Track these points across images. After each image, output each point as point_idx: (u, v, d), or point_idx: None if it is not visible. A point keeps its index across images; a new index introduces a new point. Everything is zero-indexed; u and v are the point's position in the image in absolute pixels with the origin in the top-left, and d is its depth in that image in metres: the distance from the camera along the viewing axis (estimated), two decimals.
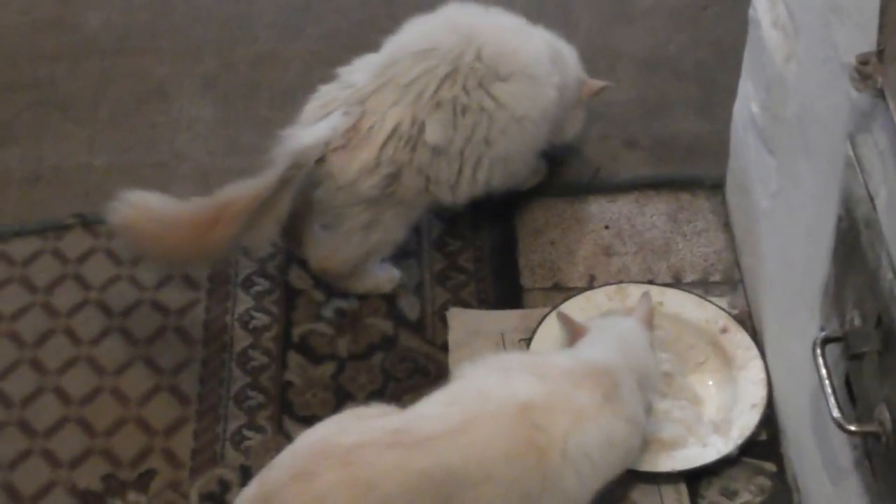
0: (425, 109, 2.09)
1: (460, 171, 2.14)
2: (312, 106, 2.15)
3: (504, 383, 1.79)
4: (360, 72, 2.15)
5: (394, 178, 2.11)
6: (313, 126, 2.10)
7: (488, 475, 1.71)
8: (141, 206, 2.10)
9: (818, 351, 1.55)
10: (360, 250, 2.17)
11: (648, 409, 1.94)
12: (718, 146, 2.36)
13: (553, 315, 2.11)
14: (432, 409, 1.78)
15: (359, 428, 1.73)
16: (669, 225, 2.35)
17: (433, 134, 2.09)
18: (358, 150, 2.09)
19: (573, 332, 1.96)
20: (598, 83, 2.36)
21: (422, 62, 2.09)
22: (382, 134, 2.08)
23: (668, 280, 2.26)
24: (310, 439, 1.75)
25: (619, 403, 1.82)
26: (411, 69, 2.09)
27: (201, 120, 2.58)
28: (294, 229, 2.20)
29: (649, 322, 2.01)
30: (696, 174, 2.43)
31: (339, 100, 2.12)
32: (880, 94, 1.38)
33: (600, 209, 2.38)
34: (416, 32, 2.16)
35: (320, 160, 2.08)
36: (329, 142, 2.08)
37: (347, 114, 2.10)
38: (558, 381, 1.81)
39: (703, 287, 2.25)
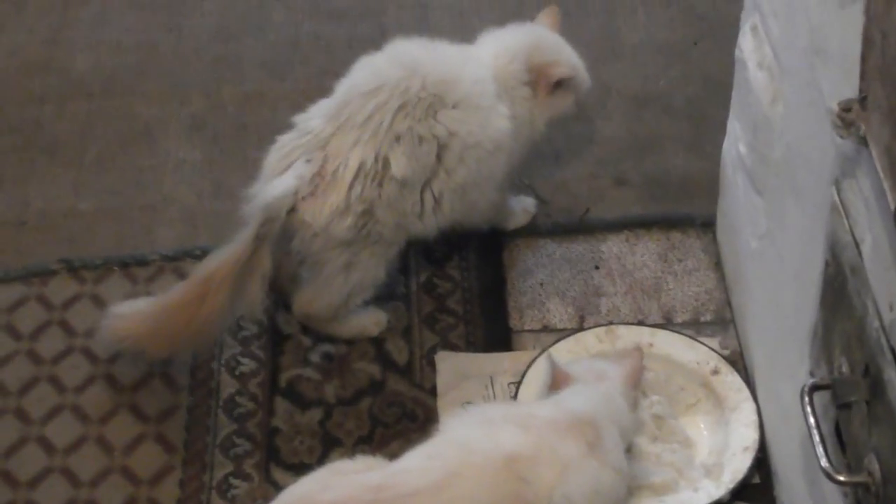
0: (386, 144, 2.09)
1: (422, 202, 2.14)
2: (273, 158, 2.15)
3: (487, 435, 1.77)
4: (315, 118, 2.15)
5: (367, 215, 2.11)
6: (278, 178, 2.10)
7: None
8: (129, 315, 2.12)
9: (806, 399, 1.52)
10: (342, 293, 2.16)
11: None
12: (709, 184, 2.35)
13: (542, 358, 2.09)
14: (414, 463, 1.76)
15: (340, 484, 1.71)
16: (660, 264, 2.34)
17: (399, 167, 2.10)
18: (327, 195, 2.09)
19: (558, 379, 1.93)
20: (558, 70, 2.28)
21: (372, 100, 2.10)
22: (348, 175, 2.09)
23: (659, 320, 2.25)
24: (292, 496, 1.73)
25: (603, 453, 1.80)
26: (364, 108, 2.10)
27: (189, 162, 2.57)
28: (274, 281, 2.19)
29: (635, 380, 1.95)
30: (687, 213, 2.41)
31: (299, 148, 2.13)
32: (863, 141, 1.37)
33: (590, 249, 2.37)
34: (363, 72, 2.17)
35: (291, 211, 2.09)
36: (297, 191, 2.09)
37: (310, 161, 2.11)
38: (542, 431, 1.78)
39: (694, 327, 2.23)
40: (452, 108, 2.13)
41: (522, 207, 2.40)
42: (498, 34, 2.27)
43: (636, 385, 1.95)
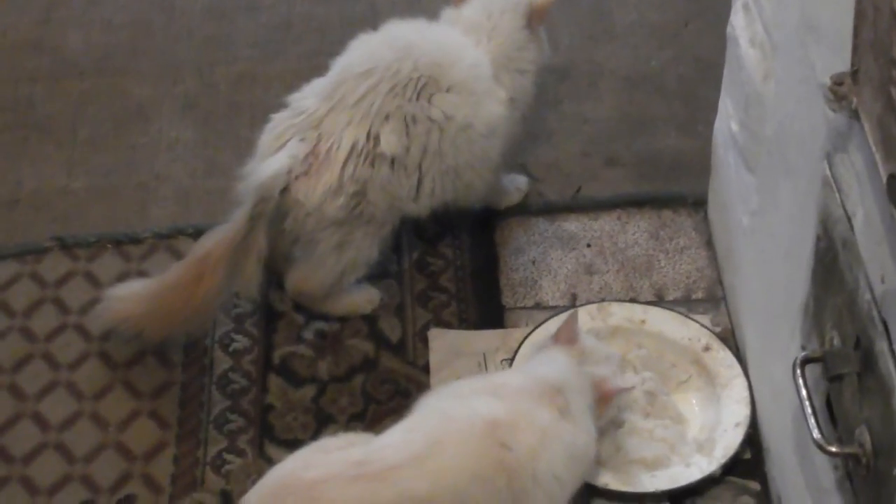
0: (377, 123, 2.10)
1: (419, 183, 2.15)
2: (267, 137, 2.15)
3: (464, 405, 1.78)
4: (309, 97, 2.16)
5: (359, 195, 2.11)
6: (272, 157, 2.11)
7: (460, 500, 1.70)
8: (127, 297, 2.12)
9: (798, 371, 1.54)
10: (335, 271, 2.17)
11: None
12: (701, 163, 2.36)
13: (535, 334, 2.10)
14: (395, 437, 1.77)
15: (323, 461, 1.72)
16: (652, 242, 2.35)
17: (388, 144, 2.10)
18: (320, 174, 2.10)
19: (563, 336, 1.92)
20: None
21: (365, 81, 2.11)
22: (342, 154, 2.09)
23: (651, 298, 2.26)
24: (276, 474, 1.75)
25: (573, 417, 1.81)
26: (357, 89, 2.11)
27: (181, 141, 2.57)
28: (268, 260, 2.19)
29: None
30: (679, 191, 2.42)
31: (293, 127, 2.13)
32: (855, 114, 1.37)
33: (582, 227, 2.37)
34: (358, 53, 2.18)
35: (285, 190, 2.09)
36: (291, 170, 2.09)
37: (304, 140, 2.11)
38: (515, 399, 1.79)
39: (685, 305, 2.24)
40: (447, 91, 2.13)
41: (515, 186, 2.40)
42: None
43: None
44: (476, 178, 2.21)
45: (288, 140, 2.13)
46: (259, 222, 2.08)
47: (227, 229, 2.08)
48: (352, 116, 2.10)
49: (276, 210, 2.09)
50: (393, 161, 2.11)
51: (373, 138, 2.10)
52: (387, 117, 2.11)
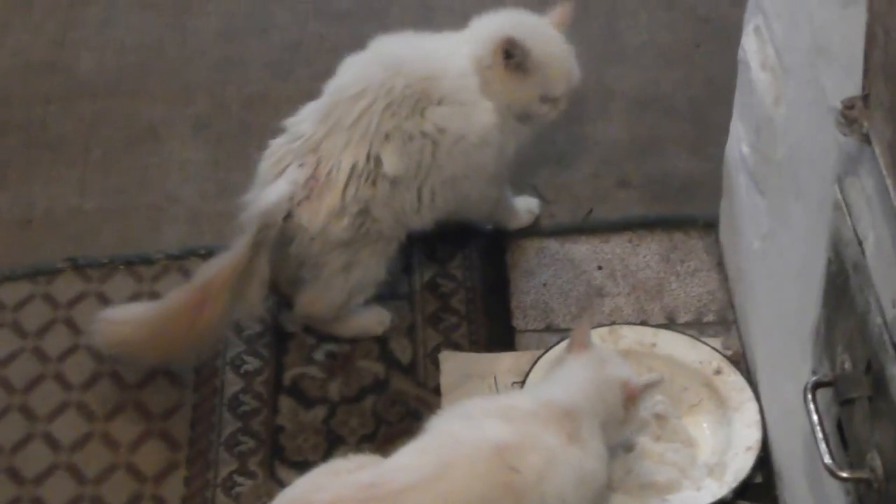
0: (376, 144, 2.10)
1: (419, 197, 2.15)
2: (266, 164, 2.16)
3: (473, 427, 1.78)
4: (305, 121, 2.16)
5: (363, 214, 2.12)
6: (273, 184, 2.11)
7: None
8: (123, 320, 2.12)
9: (809, 396, 1.53)
10: (343, 293, 2.17)
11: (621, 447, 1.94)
12: (712, 185, 2.35)
13: (545, 357, 2.10)
14: (405, 459, 1.77)
15: (333, 484, 1.72)
16: (663, 265, 2.34)
17: (391, 165, 2.10)
18: (322, 198, 2.10)
19: (576, 345, 1.92)
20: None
21: (359, 102, 2.11)
22: (342, 176, 2.09)
23: (662, 321, 2.25)
24: (287, 497, 1.75)
25: (583, 441, 1.81)
26: (352, 110, 2.11)
27: (193, 162, 2.58)
28: (275, 285, 2.20)
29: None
30: (690, 213, 2.42)
31: (291, 153, 2.13)
32: (866, 138, 1.38)
33: (593, 250, 2.37)
34: (349, 74, 2.17)
35: (288, 216, 2.09)
36: (292, 196, 2.09)
37: (303, 165, 2.12)
38: (524, 422, 1.79)
39: (696, 327, 2.23)
40: (438, 104, 2.13)
41: (527, 208, 2.40)
42: (484, 19, 2.22)
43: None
44: (472, 189, 2.20)
45: (287, 166, 2.13)
46: (262, 249, 2.07)
47: (229, 257, 2.08)
48: (349, 138, 2.10)
49: (279, 236, 2.09)
50: (394, 179, 2.11)
51: (373, 159, 2.10)
52: (387, 137, 2.10)
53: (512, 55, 2.14)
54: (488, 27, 2.20)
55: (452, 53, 2.18)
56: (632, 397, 1.88)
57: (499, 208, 2.34)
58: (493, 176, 2.23)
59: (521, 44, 2.13)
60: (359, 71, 2.16)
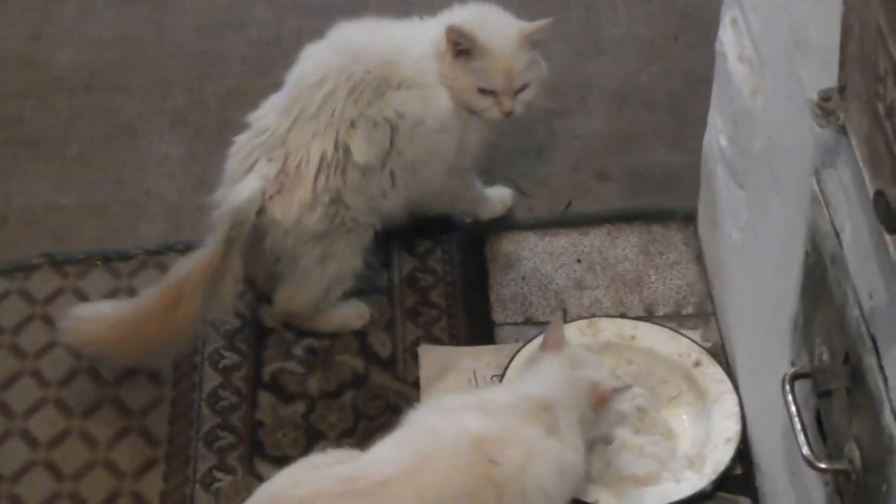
0: (343, 132, 2.09)
1: (389, 182, 2.14)
2: (234, 161, 2.15)
3: (452, 420, 1.78)
4: (269, 115, 2.15)
5: (336, 204, 2.11)
6: (243, 181, 2.10)
7: None
8: (94, 318, 2.11)
9: (787, 387, 1.54)
10: (320, 286, 2.16)
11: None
12: (690, 178, 2.36)
13: (524, 350, 2.10)
14: (383, 452, 1.76)
15: (311, 478, 1.71)
16: (642, 258, 2.35)
17: (360, 153, 2.10)
18: (293, 191, 2.09)
19: (551, 343, 1.92)
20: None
21: (320, 90, 2.10)
22: (312, 168, 2.09)
23: (641, 313, 2.25)
24: (266, 491, 1.75)
25: (561, 434, 1.81)
26: (313, 100, 2.10)
27: (171, 157, 2.57)
28: (253, 282, 2.20)
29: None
30: (669, 206, 2.42)
31: (259, 147, 2.12)
32: (843, 130, 1.38)
33: (572, 242, 2.37)
34: (309, 63, 2.16)
35: (260, 211, 2.08)
36: (263, 191, 2.08)
37: (272, 159, 2.11)
38: (502, 415, 1.79)
39: (675, 320, 2.24)
40: (397, 88, 2.12)
41: (500, 198, 2.39)
42: (455, 9, 2.22)
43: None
44: (433, 175, 2.19)
45: (256, 161, 2.12)
46: (234, 246, 2.06)
47: (202, 255, 2.06)
48: (316, 128, 2.09)
49: (253, 232, 2.08)
50: (364, 166, 2.11)
51: (341, 148, 2.09)
52: (353, 125, 2.10)
53: (457, 42, 2.14)
54: (455, 15, 2.20)
55: (414, 39, 2.18)
56: (601, 400, 1.87)
57: (465, 201, 2.34)
58: (454, 166, 2.22)
59: (467, 33, 2.13)
60: (318, 59, 2.15)
